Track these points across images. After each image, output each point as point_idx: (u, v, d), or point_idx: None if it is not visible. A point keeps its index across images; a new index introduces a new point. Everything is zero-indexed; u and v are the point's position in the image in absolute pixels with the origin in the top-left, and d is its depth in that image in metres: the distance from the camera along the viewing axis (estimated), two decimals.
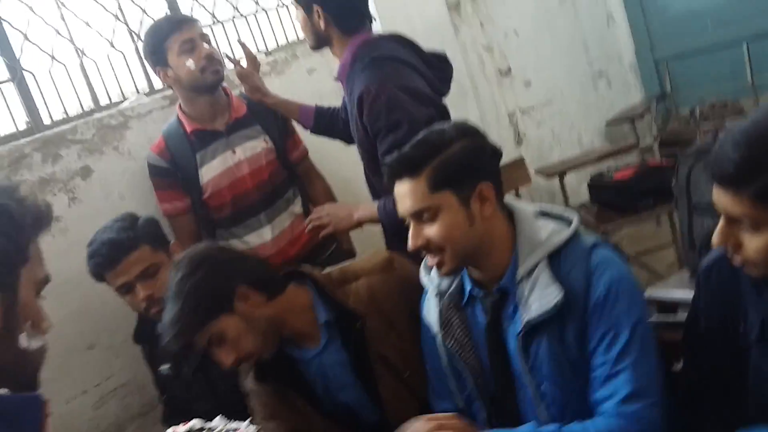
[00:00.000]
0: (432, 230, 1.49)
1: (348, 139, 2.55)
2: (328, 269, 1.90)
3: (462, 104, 4.35)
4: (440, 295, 1.65)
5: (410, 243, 1.53)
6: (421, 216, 1.50)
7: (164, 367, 2.27)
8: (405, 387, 1.76)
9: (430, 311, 1.67)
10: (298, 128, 2.81)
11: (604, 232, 3.60)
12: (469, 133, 1.55)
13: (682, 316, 1.73)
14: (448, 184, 1.48)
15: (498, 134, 4.54)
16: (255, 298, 1.71)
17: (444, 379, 1.68)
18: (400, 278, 1.81)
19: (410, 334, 1.76)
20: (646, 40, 5.53)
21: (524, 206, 1.61)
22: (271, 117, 2.70)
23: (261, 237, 2.67)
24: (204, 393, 2.13)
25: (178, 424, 1.34)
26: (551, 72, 4.98)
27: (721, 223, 1.18)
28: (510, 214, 1.58)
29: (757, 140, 1.08)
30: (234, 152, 2.61)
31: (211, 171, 2.59)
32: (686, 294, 2.55)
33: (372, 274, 1.80)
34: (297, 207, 2.78)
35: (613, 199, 3.72)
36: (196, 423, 1.34)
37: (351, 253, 2.86)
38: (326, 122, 2.69)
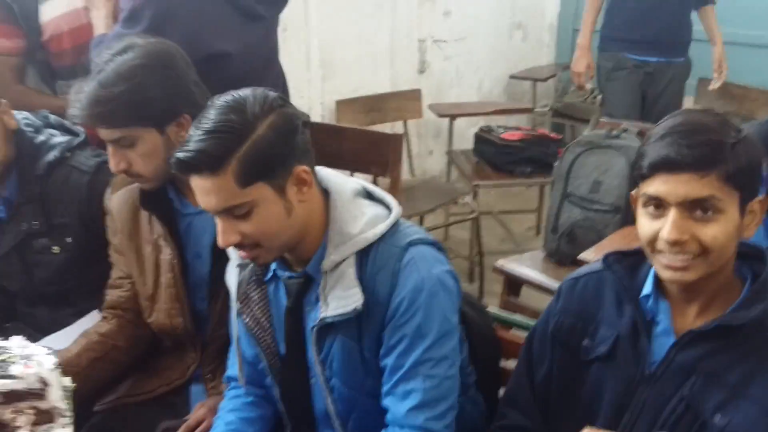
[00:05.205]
0: (247, 226, 1.29)
1: None
2: None
3: (375, 19, 4.19)
4: (241, 266, 1.48)
5: (221, 240, 1.31)
6: (231, 212, 1.29)
7: None
8: None
9: (230, 278, 1.52)
10: None
11: (476, 185, 3.63)
12: (275, 105, 1.29)
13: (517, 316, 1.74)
14: (260, 176, 1.27)
15: (403, 58, 4.43)
16: (185, 130, 1.55)
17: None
18: None
19: None
20: (573, 6, 5.48)
21: (342, 183, 1.42)
22: None
23: None
24: (15, 273, 1.94)
25: None
26: (473, 9, 4.87)
27: (676, 215, 1.13)
28: (325, 191, 1.40)
29: (714, 126, 1.14)
30: None
31: (52, 9, 2.25)
32: (535, 275, 2.64)
33: None
34: None
35: (494, 158, 3.73)
36: None
37: None
38: None
